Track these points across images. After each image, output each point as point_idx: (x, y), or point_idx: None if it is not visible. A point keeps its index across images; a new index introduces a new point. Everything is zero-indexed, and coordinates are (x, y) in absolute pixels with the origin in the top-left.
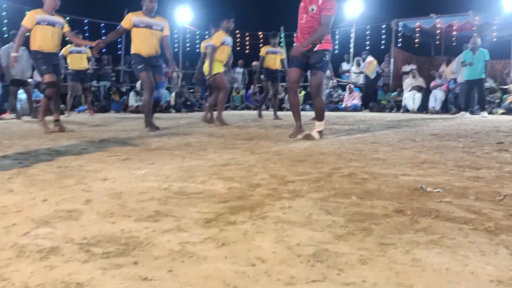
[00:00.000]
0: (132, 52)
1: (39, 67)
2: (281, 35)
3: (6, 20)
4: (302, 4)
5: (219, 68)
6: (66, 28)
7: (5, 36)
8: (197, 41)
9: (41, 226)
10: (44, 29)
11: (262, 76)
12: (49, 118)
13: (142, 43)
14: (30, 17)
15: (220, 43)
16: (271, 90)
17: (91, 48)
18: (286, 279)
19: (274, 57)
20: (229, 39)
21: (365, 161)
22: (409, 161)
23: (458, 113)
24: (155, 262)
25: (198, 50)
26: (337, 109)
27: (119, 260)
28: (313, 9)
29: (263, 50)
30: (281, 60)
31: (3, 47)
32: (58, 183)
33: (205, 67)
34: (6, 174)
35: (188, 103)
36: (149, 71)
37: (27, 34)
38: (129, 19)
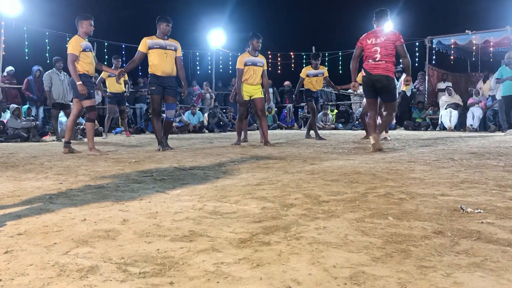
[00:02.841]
0: (149, 72)
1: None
2: (326, 54)
3: (48, 47)
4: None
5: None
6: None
7: (47, 62)
8: (230, 63)
9: (81, 245)
10: (88, 55)
11: (295, 97)
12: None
13: (158, 63)
14: (78, 45)
15: (243, 65)
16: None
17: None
18: None
19: (315, 79)
20: (254, 59)
21: (401, 180)
22: (448, 181)
23: (498, 130)
24: (191, 282)
25: (231, 71)
26: None
27: (155, 280)
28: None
29: (304, 72)
30: (325, 78)
31: (46, 72)
32: (96, 203)
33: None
34: (47, 195)
35: (221, 123)
36: (160, 95)
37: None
38: (144, 43)
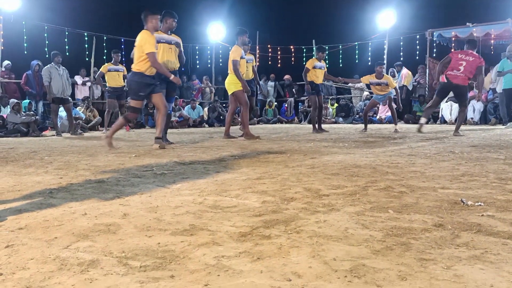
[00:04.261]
0: None
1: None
2: (326, 47)
3: (47, 42)
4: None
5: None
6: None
7: (46, 56)
8: None
9: (81, 239)
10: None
11: (307, 86)
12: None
13: (162, 57)
14: (154, 40)
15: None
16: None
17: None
18: None
19: (320, 72)
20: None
21: (402, 174)
22: (448, 174)
23: (499, 123)
24: (191, 275)
25: None
26: (371, 122)
27: (156, 274)
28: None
29: (311, 63)
30: (324, 74)
31: (45, 67)
32: (96, 197)
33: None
34: (48, 189)
35: (221, 117)
36: (164, 90)
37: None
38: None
